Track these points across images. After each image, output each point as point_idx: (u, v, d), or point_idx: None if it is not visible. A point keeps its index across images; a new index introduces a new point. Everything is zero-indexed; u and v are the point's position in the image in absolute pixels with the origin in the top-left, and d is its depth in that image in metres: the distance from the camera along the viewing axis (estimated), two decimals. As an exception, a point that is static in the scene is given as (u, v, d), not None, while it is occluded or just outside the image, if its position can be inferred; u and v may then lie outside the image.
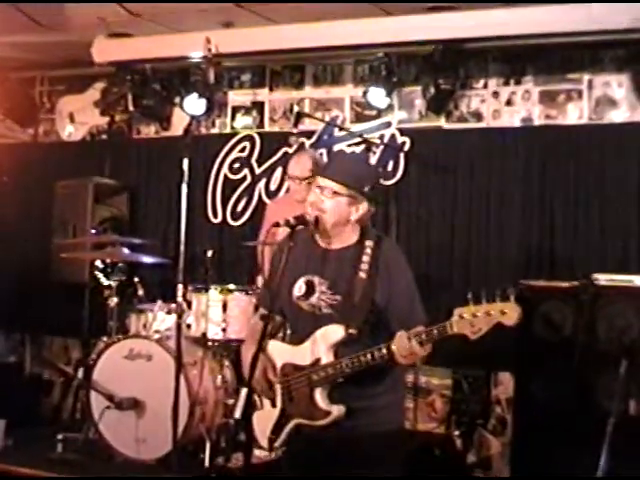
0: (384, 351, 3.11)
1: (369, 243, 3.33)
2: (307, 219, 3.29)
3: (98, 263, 6.19)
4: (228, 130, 7.09)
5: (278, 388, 3.35)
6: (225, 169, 6.99)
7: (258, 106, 6.99)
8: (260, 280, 5.70)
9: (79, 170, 7.25)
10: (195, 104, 6.59)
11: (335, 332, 3.23)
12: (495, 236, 6.12)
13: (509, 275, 5.76)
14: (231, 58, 6.63)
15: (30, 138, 7.92)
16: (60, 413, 6.82)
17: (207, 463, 5.34)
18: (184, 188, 5.14)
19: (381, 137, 6.45)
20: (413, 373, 6.07)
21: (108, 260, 6.14)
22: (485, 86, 6.26)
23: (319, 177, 3.36)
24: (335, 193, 3.28)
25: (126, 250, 6.00)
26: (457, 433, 6.03)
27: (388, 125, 6.51)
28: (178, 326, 5.13)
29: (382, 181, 6.35)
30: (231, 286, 5.82)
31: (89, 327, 6.36)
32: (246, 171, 6.92)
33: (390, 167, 6.40)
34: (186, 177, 5.15)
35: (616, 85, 5.88)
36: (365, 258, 3.28)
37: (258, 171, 6.88)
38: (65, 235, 6.95)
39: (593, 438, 4.43)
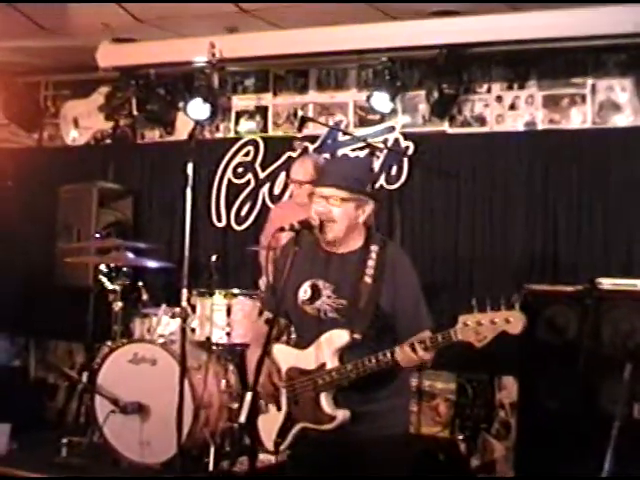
0: (388, 356, 3.12)
1: (374, 248, 3.33)
2: (312, 223, 3.29)
3: (102, 267, 6.20)
4: (232, 135, 7.11)
5: (283, 392, 3.35)
6: (229, 173, 7.00)
7: (262, 111, 7.00)
8: (263, 284, 5.71)
9: (83, 174, 7.27)
10: (199, 109, 6.60)
11: (340, 337, 3.24)
12: (499, 240, 6.12)
13: (513, 279, 5.75)
14: (235, 63, 6.64)
15: (35, 143, 7.93)
16: (65, 417, 6.81)
17: (211, 467, 5.35)
18: (188, 192, 5.15)
19: (385, 141, 6.46)
20: (417, 377, 6.07)
21: (112, 264, 6.15)
22: (489, 90, 6.27)
23: (322, 187, 3.33)
24: (343, 200, 3.28)
25: (130, 254, 6.01)
26: (461, 437, 6.03)
27: (392, 129, 6.52)
28: (182, 330, 5.13)
29: (386, 185, 6.38)
30: (235, 290, 5.83)
31: (93, 331, 6.38)
32: (250, 175, 6.94)
33: (394, 171, 6.41)
34: (190, 181, 5.16)
35: (619, 89, 5.88)
36: (370, 263, 3.29)
37: (262, 175, 6.89)
38: (69, 239, 6.96)
39: (597, 442, 4.42)
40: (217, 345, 5.73)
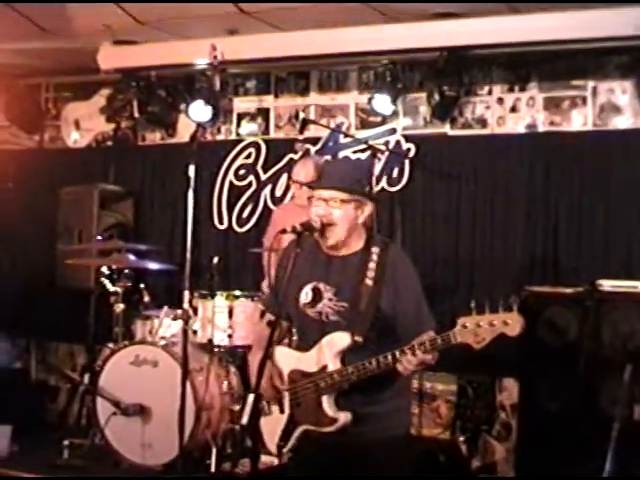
0: (389, 358, 3.13)
1: (375, 249, 3.34)
2: (313, 225, 3.30)
3: (104, 269, 6.20)
4: (233, 137, 7.11)
5: (286, 394, 3.36)
6: (231, 175, 7.01)
7: (263, 113, 7.01)
8: (265, 286, 5.71)
9: (84, 176, 7.28)
10: (200, 111, 6.59)
11: (341, 339, 3.24)
12: (499, 242, 6.13)
13: (514, 281, 5.77)
14: (236, 65, 6.65)
15: (36, 144, 7.93)
16: (66, 419, 6.81)
17: (213, 469, 5.36)
18: (190, 194, 5.16)
19: (386, 144, 6.46)
20: (418, 379, 6.08)
21: (114, 266, 6.16)
22: (490, 92, 6.27)
23: (322, 190, 3.33)
24: (342, 202, 3.29)
25: (132, 256, 6.02)
26: (462, 439, 6.04)
27: (393, 132, 6.53)
28: (184, 332, 5.13)
29: (387, 187, 6.38)
30: (237, 292, 5.85)
31: (95, 333, 6.37)
32: (252, 177, 6.94)
33: (395, 173, 6.42)
34: (192, 183, 5.17)
35: (620, 92, 5.89)
36: (371, 265, 3.29)
37: (264, 177, 6.90)
38: (70, 241, 6.96)
39: (598, 443, 4.44)
40: (219, 347, 5.74)
